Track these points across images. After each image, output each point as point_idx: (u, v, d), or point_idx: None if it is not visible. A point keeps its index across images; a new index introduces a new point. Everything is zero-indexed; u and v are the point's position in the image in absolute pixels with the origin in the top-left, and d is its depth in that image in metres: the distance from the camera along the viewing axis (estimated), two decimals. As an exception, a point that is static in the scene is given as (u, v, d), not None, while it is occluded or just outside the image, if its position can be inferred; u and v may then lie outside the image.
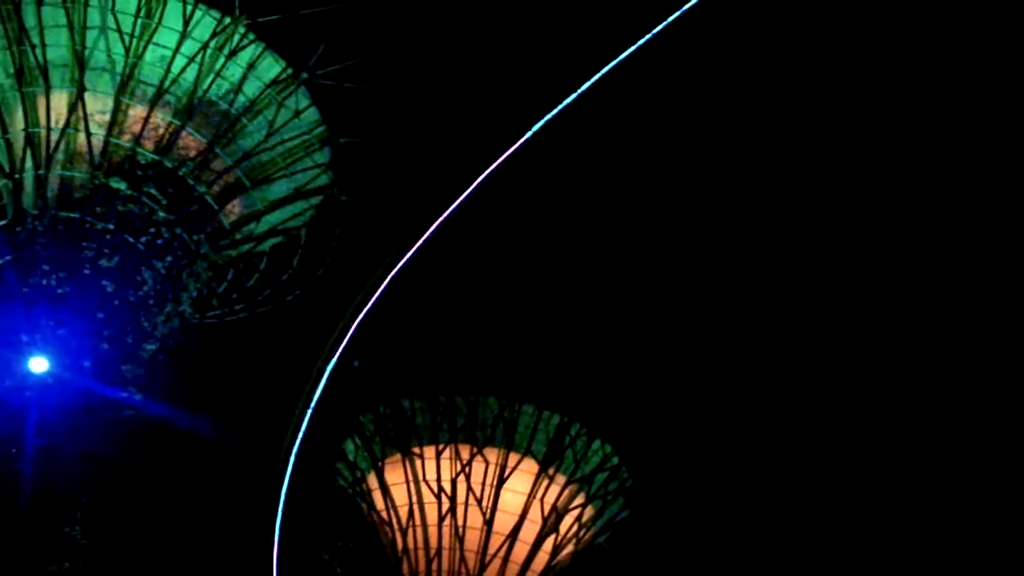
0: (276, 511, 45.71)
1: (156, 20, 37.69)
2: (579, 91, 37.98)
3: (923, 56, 44.99)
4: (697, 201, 49.25)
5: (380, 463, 51.95)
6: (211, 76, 38.55)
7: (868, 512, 53.06)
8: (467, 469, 50.77)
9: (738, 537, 53.75)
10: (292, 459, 45.18)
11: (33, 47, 37.37)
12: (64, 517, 35.19)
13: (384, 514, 51.95)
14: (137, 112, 38.00)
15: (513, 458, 51.08)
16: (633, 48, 36.76)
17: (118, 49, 37.63)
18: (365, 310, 42.49)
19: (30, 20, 37.34)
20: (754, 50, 44.66)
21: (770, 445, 51.71)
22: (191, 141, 38.83)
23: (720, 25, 41.16)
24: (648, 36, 36.07)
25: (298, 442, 45.10)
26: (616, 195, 46.64)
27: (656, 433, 50.29)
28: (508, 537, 50.83)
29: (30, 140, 37.59)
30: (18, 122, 37.88)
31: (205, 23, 38.22)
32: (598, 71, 37.25)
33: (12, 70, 37.74)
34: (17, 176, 37.63)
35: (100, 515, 36.55)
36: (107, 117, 37.70)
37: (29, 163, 37.59)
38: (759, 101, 46.10)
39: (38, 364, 34.52)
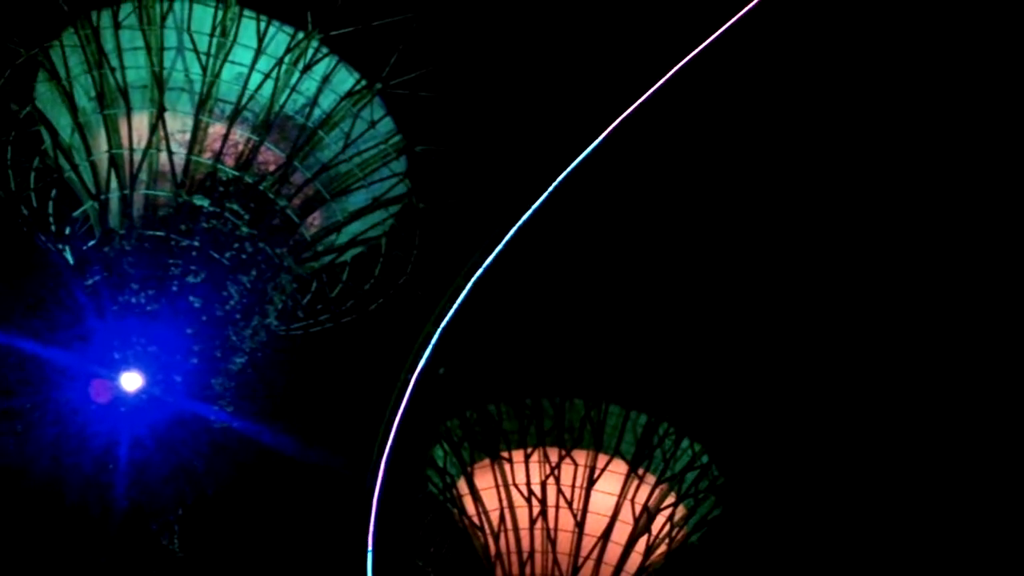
0: (369, 520, 46.01)
1: (231, 38, 38.21)
2: (649, 92, 37.91)
3: (924, 56, 44.37)
4: (779, 200, 48.81)
5: (469, 468, 52.14)
6: (287, 91, 38.99)
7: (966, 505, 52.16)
8: (556, 472, 50.75)
9: (830, 532, 53.11)
10: (382, 467, 45.46)
11: (113, 70, 38.05)
12: (161, 530, 35.70)
13: (476, 519, 52.13)
14: (216, 129, 38.53)
15: (602, 459, 50.98)
16: (694, 53, 36.68)
17: (195, 69, 38.23)
18: (448, 316, 42.65)
19: (109, 44, 38.04)
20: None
21: (860, 438, 50.97)
22: (270, 156, 39.30)
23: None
24: (706, 42, 35.96)
25: (387, 450, 45.38)
26: (702, 194, 46.33)
27: (745, 430, 49.80)
28: (600, 539, 50.73)
29: (114, 161, 38.26)
30: (101, 144, 38.57)
31: (279, 39, 38.70)
32: (666, 74, 37.19)
33: (94, 93, 38.45)
34: (103, 197, 38.35)
35: (196, 528, 37.04)
36: (187, 136, 38.29)
37: (114, 184, 38.26)
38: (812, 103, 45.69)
39: (130, 381, 35.01)
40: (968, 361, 49.98)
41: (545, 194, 39.72)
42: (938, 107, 45.70)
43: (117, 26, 37.77)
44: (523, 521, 51.14)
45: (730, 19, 35.82)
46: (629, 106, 38.45)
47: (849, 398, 50.40)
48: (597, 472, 50.82)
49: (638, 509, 51.18)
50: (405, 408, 44.45)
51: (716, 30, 36.16)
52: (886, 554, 53.15)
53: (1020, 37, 42.84)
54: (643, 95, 37.74)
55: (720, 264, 49.48)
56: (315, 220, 41.04)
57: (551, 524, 50.74)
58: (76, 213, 39.74)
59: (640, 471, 51.02)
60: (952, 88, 45.40)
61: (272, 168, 39.23)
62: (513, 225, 40.52)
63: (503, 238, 40.80)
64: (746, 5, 35.50)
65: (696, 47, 36.80)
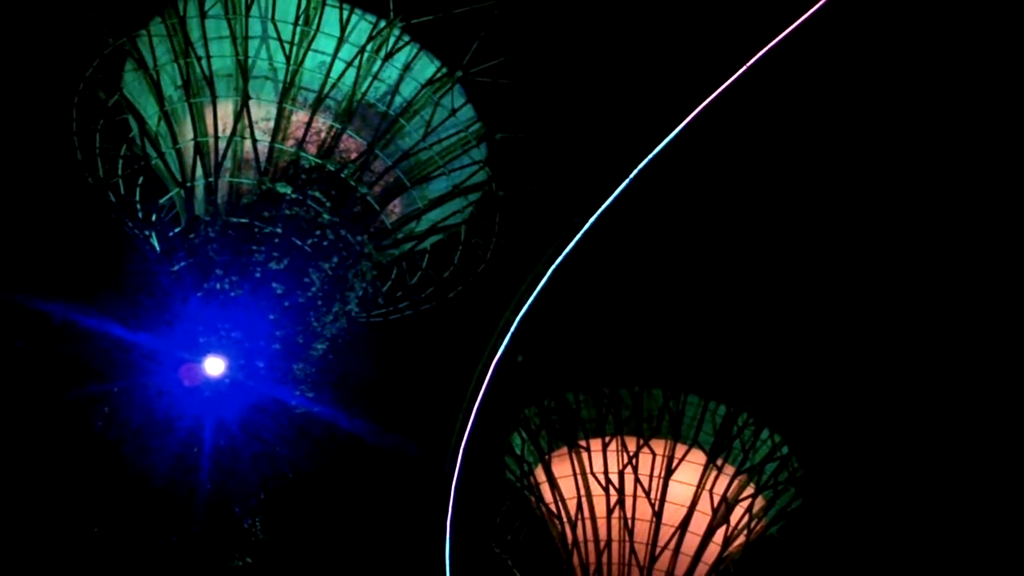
0: (447, 506, 46.27)
1: (314, 27, 38.51)
2: (730, 81, 37.67)
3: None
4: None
5: (547, 456, 52.21)
6: (369, 79, 39.22)
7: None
8: (634, 461, 50.66)
9: (908, 525, 52.53)
10: (461, 454, 45.70)
11: (199, 59, 38.54)
12: (244, 514, 36.14)
13: (553, 507, 52.20)
14: (299, 118, 38.88)
15: (680, 449, 50.79)
16: (773, 44, 36.39)
17: (279, 57, 38.60)
18: (527, 304, 42.73)
19: (195, 33, 38.53)
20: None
21: (939, 431, 50.32)
22: (351, 144, 39.57)
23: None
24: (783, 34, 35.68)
25: (466, 437, 45.60)
26: (780, 183, 45.96)
27: (826, 421, 49.35)
28: (678, 529, 50.57)
29: (199, 149, 38.78)
30: (187, 132, 39.12)
31: (361, 27, 38.92)
32: (743, 65, 36.96)
33: (180, 82, 39.00)
34: (189, 184, 38.86)
35: (278, 512, 37.45)
36: (271, 124, 38.66)
37: (199, 171, 38.79)
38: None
39: (214, 366, 35.45)
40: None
41: (625, 182, 39.64)
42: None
43: (203, 15, 38.22)
44: (600, 510, 51.12)
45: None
46: (709, 95, 38.32)
47: (929, 392, 49.68)
48: (675, 462, 50.65)
49: (716, 499, 50.93)
50: (484, 396, 44.68)
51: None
52: (962, 549, 52.47)
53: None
54: (722, 85, 37.57)
55: (804, 254, 49.00)
56: (395, 208, 41.28)
57: (628, 513, 50.66)
58: (162, 200, 40.35)
59: (719, 461, 50.77)
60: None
61: (353, 156, 39.50)
62: (593, 213, 40.50)
63: (583, 226, 40.81)
64: None
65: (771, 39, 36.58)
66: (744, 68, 36.58)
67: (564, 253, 41.62)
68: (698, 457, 50.85)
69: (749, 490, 51.40)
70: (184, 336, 35.88)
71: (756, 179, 47.77)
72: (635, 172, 39.74)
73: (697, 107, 38.42)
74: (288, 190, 38.18)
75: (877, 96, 45.48)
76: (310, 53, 38.76)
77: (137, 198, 42.20)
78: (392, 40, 39.13)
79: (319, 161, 38.90)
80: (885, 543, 52.58)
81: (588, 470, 51.19)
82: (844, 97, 45.64)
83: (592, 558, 50.70)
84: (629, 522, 50.46)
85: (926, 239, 49.02)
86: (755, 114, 42.78)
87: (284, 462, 37.38)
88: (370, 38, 38.93)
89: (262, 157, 38.52)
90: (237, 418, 35.90)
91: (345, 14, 38.66)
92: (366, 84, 39.29)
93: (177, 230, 39.15)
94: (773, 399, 49.33)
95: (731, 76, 37.68)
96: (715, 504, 50.88)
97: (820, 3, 35.42)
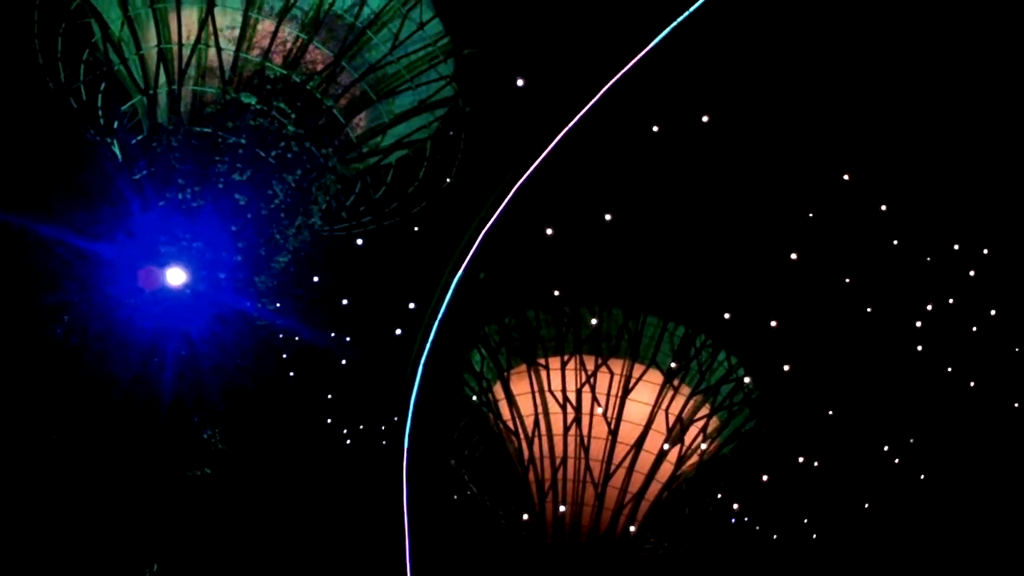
0: (405, 421, 46.59)
1: (283, -64, 37.87)
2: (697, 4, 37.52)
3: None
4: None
5: (506, 373, 52.53)
6: (337, -11, 38.67)
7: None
8: (592, 380, 51.10)
9: (864, 450, 53.32)
10: (420, 370, 45.93)
11: (165, -36, 37.84)
12: (203, 423, 36.21)
13: (510, 423, 52.65)
14: (265, 27, 38.28)
15: (638, 369, 51.26)
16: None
17: (246, -36, 37.95)
18: (490, 222, 42.72)
19: (160, -63, 37.77)
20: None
21: (895, 361, 50.88)
22: (318, 55, 39.08)
23: None
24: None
25: (425, 353, 45.80)
26: (742, 105, 45.76)
27: (782, 344, 49.78)
28: (633, 447, 51.21)
29: (163, 56, 38.13)
30: (151, 38, 38.39)
31: (331, -64, 38.34)
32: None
33: (144, -13, 38.29)
34: (152, 92, 38.29)
35: (238, 422, 37.55)
36: (236, 32, 38.01)
37: (162, 79, 38.19)
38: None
39: (175, 276, 35.23)
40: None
41: (592, 102, 39.52)
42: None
43: (169, -81, 37.52)
44: (557, 427, 51.67)
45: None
46: (678, 17, 38.13)
47: (887, 321, 50.14)
48: (632, 381, 51.14)
49: (672, 419, 51.56)
50: (444, 312, 44.81)
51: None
52: (915, 476, 53.43)
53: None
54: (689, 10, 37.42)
55: (763, 182, 49.01)
56: (361, 121, 40.95)
57: (585, 431, 51.22)
58: (124, 107, 39.76)
59: (675, 381, 51.31)
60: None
61: (320, 67, 39.03)
62: (558, 132, 40.40)
63: (548, 144, 40.72)
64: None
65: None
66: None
67: (528, 171, 41.56)
68: (655, 377, 51.38)
69: (704, 411, 52.04)
70: (145, 246, 35.58)
71: (723, 109, 47.59)
72: (601, 92, 39.63)
73: (669, 26, 38.29)
74: (252, 100, 37.72)
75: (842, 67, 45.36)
76: (278, -39, 38.14)
77: (99, 104, 41.55)
78: (362, -50, 38.59)
79: (284, 72, 38.41)
80: (835, 466, 53.39)
81: (546, 388, 51.59)
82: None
83: (548, 475, 51.31)
84: (585, 440, 51.03)
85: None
86: (733, 42, 42.53)
87: (244, 373, 37.36)
88: (339, -53, 38.35)
89: (227, 66, 37.94)
90: (198, 329, 35.75)
91: (314, -77, 38.05)
92: (334, -6, 38.75)
93: (139, 138, 38.64)
94: (731, 322, 49.61)
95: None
96: (670, 423, 51.50)
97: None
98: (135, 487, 33.88)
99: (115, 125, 39.98)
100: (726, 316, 49.50)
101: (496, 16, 40.54)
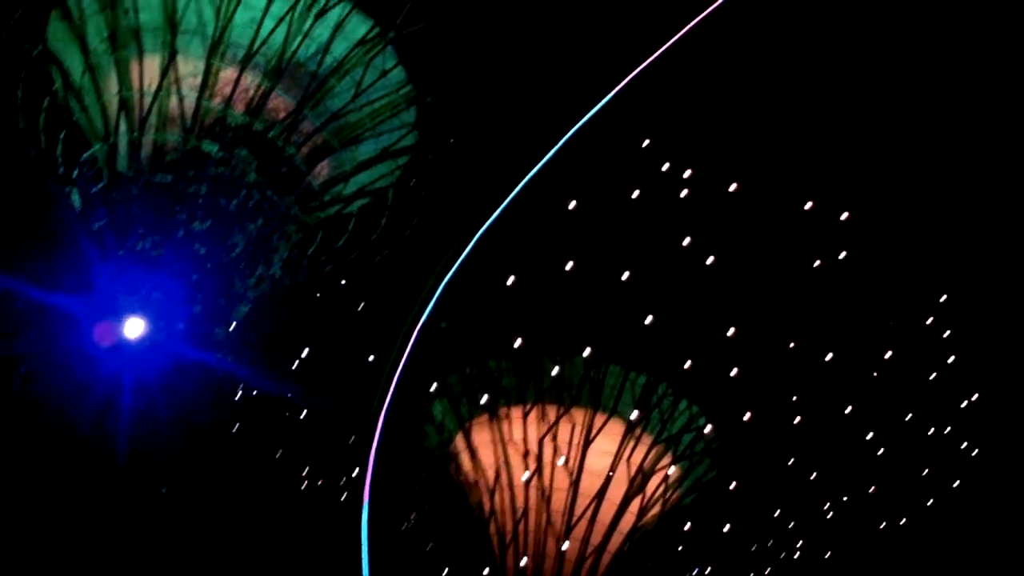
0: (366, 473, 46.05)
1: (245, -18, 37.85)
2: (666, 46, 37.78)
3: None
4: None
5: (467, 424, 52.10)
6: (299, 37, 38.52)
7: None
8: (554, 430, 50.78)
9: (825, 497, 53.38)
10: (381, 421, 45.46)
11: (126, 11, 37.52)
12: (160, 477, 35.75)
13: (471, 475, 52.14)
14: (228, 74, 38.11)
15: (599, 418, 51.02)
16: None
17: (208, 12, 37.71)
18: (452, 271, 42.54)
19: (123, -16, 37.62)
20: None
21: (858, 403, 51.11)
22: (280, 103, 38.92)
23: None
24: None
25: (386, 404, 45.36)
26: (714, 149, 46.11)
27: (743, 394, 49.87)
28: (594, 498, 50.79)
29: (124, 104, 37.84)
30: (112, 86, 38.12)
31: (294, -16, 38.33)
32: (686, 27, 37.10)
33: (106, 34, 37.87)
34: (112, 140, 37.95)
35: (197, 474, 37.10)
36: (198, 80, 37.83)
37: (123, 127, 37.87)
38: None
39: (134, 327, 34.83)
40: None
41: (554, 149, 39.57)
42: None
43: (133, -33, 37.39)
44: (518, 479, 51.21)
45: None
46: (644, 60, 38.36)
47: (848, 367, 50.42)
48: (594, 431, 50.87)
49: (633, 469, 51.29)
50: (405, 362, 44.44)
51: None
52: (878, 522, 53.54)
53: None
54: (661, 47, 37.66)
55: (722, 228, 49.26)
56: (323, 169, 40.74)
57: (546, 482, 50.79)
58: (84, 156, 39.35)
59: (637, 431, 51.10)
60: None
61: (282, 115, 38.85)
62: (520, 180, 40.39)
63: (510, 193, 40.69)
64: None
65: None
66: (687, 28, 36.71)
67: (490, 220, 41.49)
68: (617, 427, 51.11)
69: (666, 460, 51.81)
70: (104, 296, 35.18)
71: (680, 152, 47.91)
72: (563, 140, 39.71)
73: (629, 75, 38.49)
74: (214, 148, 37.54)
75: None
76: (240, 9, 37.90)
77: (59, 152, 41.10)
78: (324, -2, 38.60)
79: (246, 119, 38.22)
80: (797, 515, 53.38)
81: (508, 438, 51.20)
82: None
83: (509, 527, 50.79)
84: (547, 491, 50.59)
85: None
86: (694, 77, 42.89)
87: (203, 424, 36.95)
88: (302, -5, 38.33)
89: (188, 114, 37.72)
90: (156, 380, 35.33)
91: (277, -30, 38.05)
92: (296, 42, 38.60)
93: (99, 187, 38.23)
94: (693, 371, 49.65)
95: (661, 48, 37.86)
96: (632, 474, 51.21)
97: None
98: (95, 536, 33.34)
99: (74, 174, 39.58)
100: (687, 365, 49.53)
101: (459, 64, 40.64)
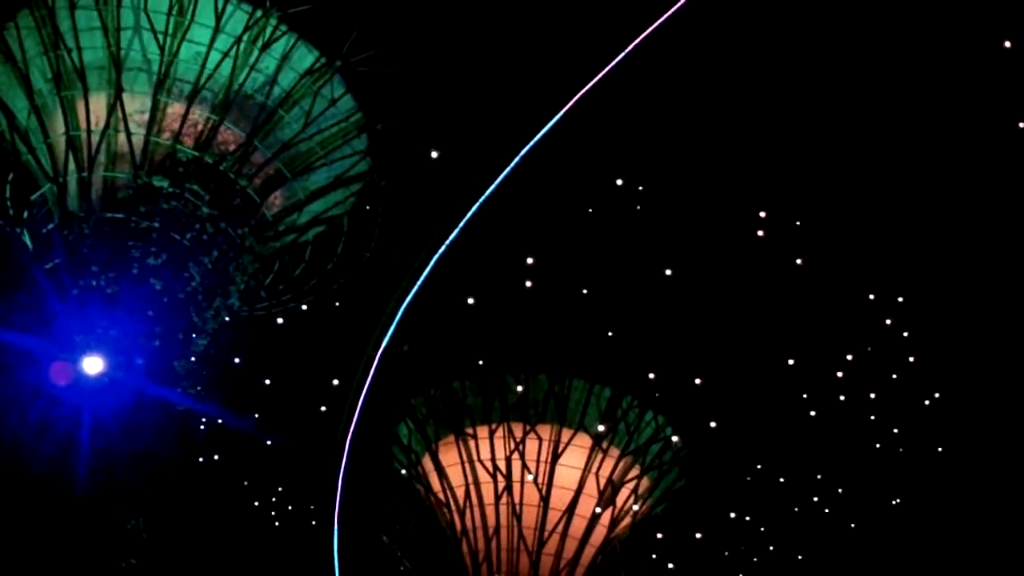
0: (334, 498, 46.06)
1: (189, 17, 37.69)
2: (609, 67, 37.96)
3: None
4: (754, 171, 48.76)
5: (434, 445, 52.20)
6: (246, 70, 38.55)
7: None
8: (521, 447, 50.92)
9: (796, 501, 53.60)
10: (347, 446, 45.50)
11: (69, 51, 37.47)
12: (126, 514, 35.56)
13: (441, 495, 52.24)
14: (175, 110, 38.12)
15: (566, 434, 51.19)
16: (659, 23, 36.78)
17: (153, 48, 37.69)
18: (411, 294, 42.63)
19: (65, 24, 37.41)
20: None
21: (827, 412, 51.31)
22: (230, 136, 38.93)
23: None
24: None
25: (352, 428, 45.40)
26: (670, 161, 46.22)
27: (709, 401, 50.02)
28: (565, 512, 51.01)
29: (71, 143, 37.78)
30: (58, 126, 38.08)
31: (237, 17, 38.22)
32: (626, 48, 37.30)
33: (50, 75, 37.87)
34: (61, 180, 37.89)
35: (161, 511, 36.93)
36: (146, 116, 37.82)
37: (72, 166, 37.81)
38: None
39: (92, 364, 34.75)
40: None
41: (507, 170, 39.69)
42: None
43: (73, 6, 37.06)
44: (488, 497, 51.31)
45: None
46: (589, 83, 38.52)
47: (814, 372, 50.61)
48: (562, 446, 51.05)
49: (603, 482, 51.48)
50: (369, 386, 44.50)
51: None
52: (848, 525, 53.78)
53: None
54: (603, 71, 37.81)
55: (683, 240, 49.40)
56: (276, 200, 40.77)
57: (516, 499, 50.94)
58: (34, 196, 39.25)
59: (604, 444, 51.30)
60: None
61: (232, 148, 38.87)
62: (476, 201, 40.50)
63: (466, 215, 40.79)
64: None
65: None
66: (628, 50, 36.90)
67: (447, 241, 41.58)
68: (584, 441, 51.31)
69: (634, 471, 52.02)
70: (61, 335, 35.08)
71: (634, 167, 48.03)
72: (516, 160, 39.81)
73: (579, 93, 38.65)
74: (165, 184, 37.49)
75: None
76: (185, 43, 37.92)
77: (7, 194, 40.99)
78: (269, 30, 38.50)
79: (196, 154, 38.22)
80: (767, 522, 53.61)
81: (476, 457, 51.31)
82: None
83: (481, 545, 50.91)
84: (517, 508, 50.74)
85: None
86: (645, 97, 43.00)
87: (165, 460, 36.81)
88: (247, 28, 38.21)
89: (137, 151, 37.67)
90: (116, 417, 35.21)
91: (220, 3, 37.83)
92: (243, 75, 38.63)
93: (50, 227, 38.14)
94: (657, 382, 49.81)
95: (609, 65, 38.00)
96: (601, 486, 51.40)
97: None
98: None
99: (25, 215, 39.50)
100: (651, 376, 49.68)
101: (409, 90, 40.69)
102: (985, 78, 41.62)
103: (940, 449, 51.95)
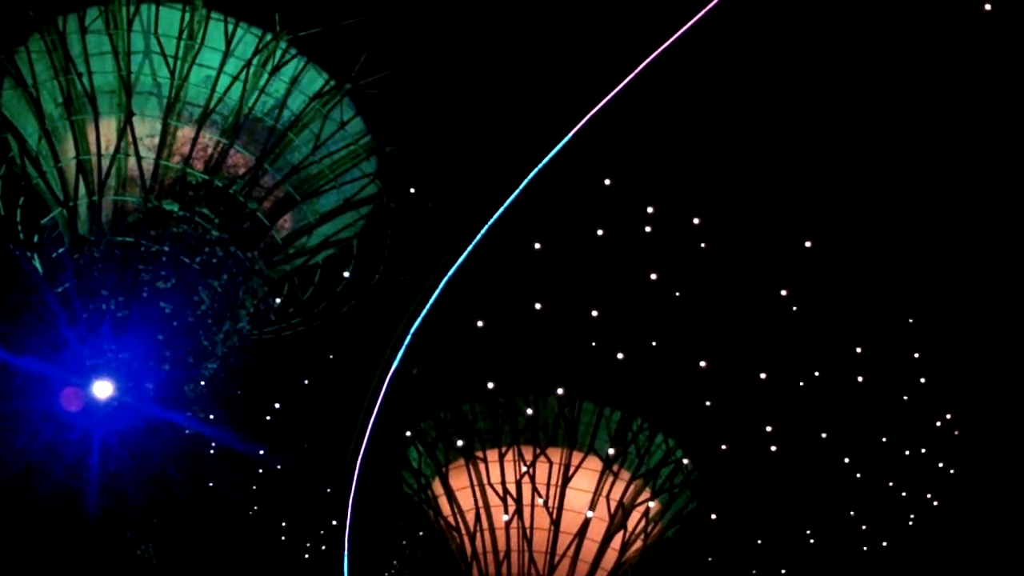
0: (344, 522, 45.90)
1: (199, 41, 37.83)
2: (619, 88, 38.01)
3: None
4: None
5: (444, 469, 52.03)
6: (256, 93, 38.66)
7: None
8: (531, 470, 50.74)
9: (807, 523, 53.36)
10: (357, 469, 45.35)
11: (80, 75, 37.60)
12: (136, 539, 35.45)
13: (451, 519, 52.05)
14: (185, 133, 38.21)
15: (576, 456, 51.01)
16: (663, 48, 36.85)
17: (163, 72, 37.85)
18: (421, 317, 42.55)
19: (75, 49, 37.59)
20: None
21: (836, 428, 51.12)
22: (240, 159, 39.03)
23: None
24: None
25: (362, 452, 45.26)
26: (679, 184, 46.18)
27: (719, 424, 49.85)
28: (576, 536, 50.78)
29: (82, 167, 37.85)
30: (69, 150, 38.15)
31: (247, 41, 38.39)
32: (635, 70, 37.35)
33: (61, 99, 37.97)
34: (71, 204, 37.92)
35: (171, 536, 36.81)
36: (156, 140, 37.91)
37: (82, 190, 37.87)
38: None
39: (102, 389, 34.68)
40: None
41: (515, 192, 39.69)
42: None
43: (84, 31, 37.28)
44: (499, 521, 51.12)
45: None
46: (599, 103, 38.56)
47: (824, 395, 50.43)
48: (572, 469, 50.86)
49: (613, 505, 51.27)
50: (379, 410, 44.38)
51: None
52: (860, 548, 53.52)
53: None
54: (611, 93, 37.86)
55: (693, 262, 49.34)
56: (286, 223, 40.81)
57: (527, 523, 50.73)
58: (44, 220, 39.34)
59: (615, 467, 51.10)
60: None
61: (242, 171, 38.94)
62: (484, 224, 40.48)
63: (475, 237, 40.77)
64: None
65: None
66: (637, 71, 36.95)
67: (456, 264, 41.54)
68: (595, 464, 51.11)
69: (645, 494, 51.82)
70: (71, 359, 35.03)
71: (646, 180, 47.99)
72: (524, 183, 39.82)
73: (588, 114, 38.69)
74: (175, 207, 37.52)
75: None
76: (195, 67, 38.06)
77: (18, 218, 41.04)
78: (279, 53, 38.66)
79: (206, 177, 38.27)
80: (779, 544, 53.33)
81: (486, 481, 51.13)
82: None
83: (492, 570, 50.68)
84: (528, 532, 50.53)
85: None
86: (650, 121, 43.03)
87: (176, 485, 36.70)
88: (256, 51, 38.38)
89: (147, 174, 37.73)
90: (127, 441, 35.12)
91: (230, 27, 38.07)
92: (253, 98, 38.74)
93: (61, 251, 38.18)
94: (667, 404, 49.67)
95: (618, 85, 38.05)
96: (612, 510, 51.19)
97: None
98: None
99: (35, 239, 39.55)
100: (661, 398, 49.54)
101: (418, 112, 40.74)
102: (1002, 86, 41.68)
103: (952, 471, 51.72)
